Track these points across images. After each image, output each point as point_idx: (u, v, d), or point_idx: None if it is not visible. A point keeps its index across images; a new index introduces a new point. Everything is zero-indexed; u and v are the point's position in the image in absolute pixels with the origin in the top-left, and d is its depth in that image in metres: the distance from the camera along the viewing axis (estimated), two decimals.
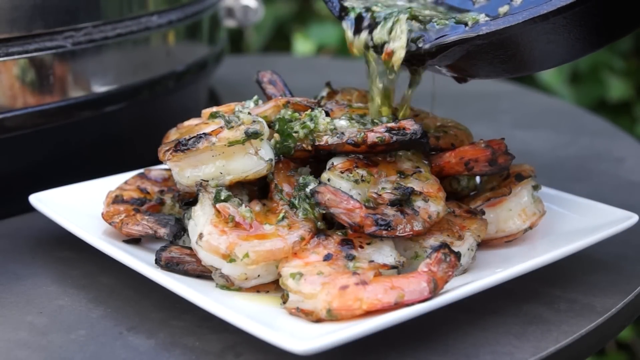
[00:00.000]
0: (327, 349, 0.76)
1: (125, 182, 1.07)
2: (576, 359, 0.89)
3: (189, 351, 0.84)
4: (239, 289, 0.89)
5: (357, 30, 1.01)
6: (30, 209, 1.04)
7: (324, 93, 1.11)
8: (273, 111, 1.00)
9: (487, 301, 0.91)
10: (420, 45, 0.96)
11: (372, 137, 0.93)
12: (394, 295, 0.82)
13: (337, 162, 0.95)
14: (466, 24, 0.93)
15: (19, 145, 1.12)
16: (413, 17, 0.97)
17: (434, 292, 0.83)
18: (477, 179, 1.06)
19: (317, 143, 0.95)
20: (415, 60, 0.98)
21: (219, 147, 0.92)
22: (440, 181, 0.96)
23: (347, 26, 1.01)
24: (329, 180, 0.93)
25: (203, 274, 0.92)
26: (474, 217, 0.96)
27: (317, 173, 0.96)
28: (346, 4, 1.03)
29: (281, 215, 0.91)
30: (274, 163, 0.96)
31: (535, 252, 0.94)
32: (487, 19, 0.93)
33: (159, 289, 0.89)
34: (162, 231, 0.97)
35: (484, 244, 0.97)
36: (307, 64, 2.16)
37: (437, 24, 0.95)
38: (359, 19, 1.01)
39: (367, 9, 1.01)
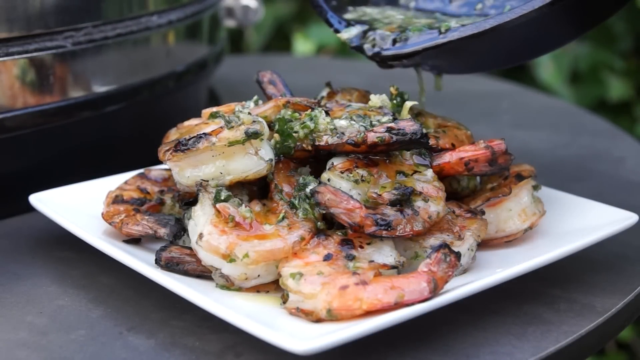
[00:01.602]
0: (327, 349, 0.76)
1: (125, 182, 1.07)
2: (576, 359, 0.89)
3: (189, 351, 0.84)
4: (239, 289, 0.89)
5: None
6: (30, 209, 1.04)
7: (324, 93, 1.11)
8: (273, 111, 1.01)
9: (487, 301, 0.91)
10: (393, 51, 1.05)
11: (372, 137, 0.93)
12: (394, 295, 0.82)
13: (337, 162, 0.95)
14: (440, 31, 1.01)
15: (19, 145, 1.12)
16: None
17: (434, 292, 0.83)
18: (477, 179, 1.06)
19: (317, 143, 0.95)
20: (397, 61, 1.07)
21: (219, 147, 0.92)
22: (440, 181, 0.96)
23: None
24: (329, 180, 0.93)
25: (203, 274, 0.92)
26: (474, 217, 0.96)
27: (317, 173, 0.96)
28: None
29: (281, 215, 0.91)
30: (274, 163, 0.96)
31: (535, 252, 0.94)
32: (458, 25, 1.01)
33: (159, 289, 0.89)
34: (162, 231, 0.97)
35: (484, 244, 0.97)
36: (307, 64, 2.16)
37: (413, 30, 1.04)
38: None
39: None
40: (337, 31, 1.10)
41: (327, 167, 0.95)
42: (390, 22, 1.10)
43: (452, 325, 0.88)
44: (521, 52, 1.10)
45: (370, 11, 1.15)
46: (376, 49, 1.05)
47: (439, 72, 1.12)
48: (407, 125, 0.93)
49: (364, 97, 1.09)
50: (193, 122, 1.01)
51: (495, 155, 0.97)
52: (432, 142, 0.99)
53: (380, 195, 0.91)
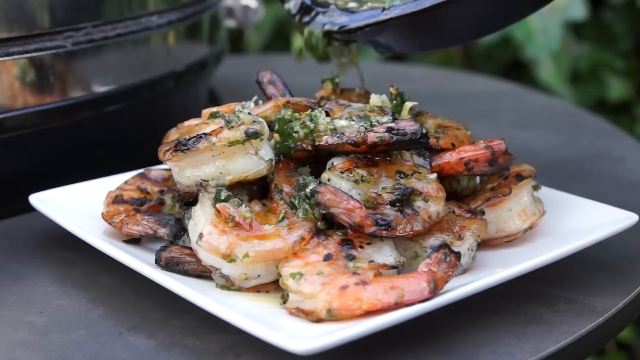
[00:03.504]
0: (327, 349, 0.76)
1: (125, 182, 1.07)
2: (576, 359, 0.89)
3: (189, 351, 0.84)
4: (239, 289, 0.89)
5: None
6: (30, 209, 1.04)
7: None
8: (273, 111, 1.01)
9: (487, 301, 0.91)
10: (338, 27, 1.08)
11: (372, 137, 0.93)
12: (394, 295, 0.82)
13: (337, 162, 0.95)
14: (384, 8, 1.03)
15: (19, 145, 1.12)
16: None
17: (434, 292, 0.83)
18: (477, 179, 1.06)
19: (317, 143, 0.95)
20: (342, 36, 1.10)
21: (219, 147, 0.92)
22: (440, 181, 0.96)
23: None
24: (329, 180, 0.93)
25: (203, 274, 0.92)
26: (474, 217, 0.96)
27: (317, 173, 0.96)
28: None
29: (281, 215, 0.91)
30: (274, 163, 0.96)
31: (535, 252, 0.94)
32: (399, 2, 1.03)
33: (159, 289, 0.89)
34: (162, 231, 0.97)
35: (484, 244, 0.97)
36: (307, 64, 2.15)
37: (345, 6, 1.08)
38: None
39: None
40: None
41: (327, 167, 0.95)
42: None
43: (452, 325, 0.88)
44: (467, 30, 1.12)
45: None
46: (320, 25, 1.09)
47: (388, 51, 1.14)
48: (407, 125, 0.93)
49: (364, 98, 1.09)
50: (193, 122, 1.01)
51: (495, 155, 0.97)
52: (432, 142, 0.99)
53: (380, 195, 0.91)
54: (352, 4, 1.08)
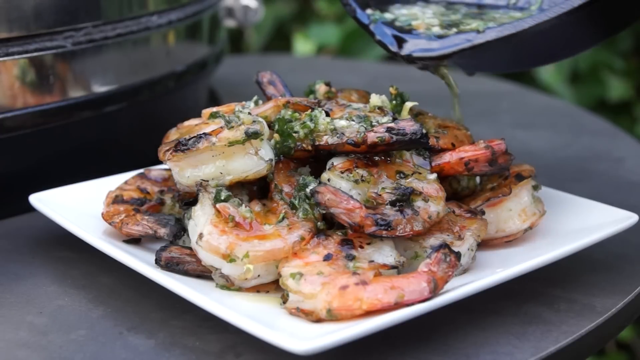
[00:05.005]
0: (327, 349, 0.76)
1: (125, 182, 1.07)
2: (576, 359, 0.89)
3: (189, 351, 0.84)
4: (239, 289, 0.90)
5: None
6: (30, 209, 1.04)
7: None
8: (273, 111, 1.01)
9: (487, 301, 0.91)
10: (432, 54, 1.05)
11: (372, 137, 0.93)
12: (394, 295, 0.82)
13: (337, 162, 0.95)
14: (478, 31, 1.02)
15: (19, 145, 1.12)
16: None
17: (434, 292, 0.83)
18: (477, 179, 1.06)
19: (317, 143, 0.95)
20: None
21: (219, 147, 0.92)
22: (440, 181, 0.96)
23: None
24: (329, 180, 0.93)
25: (203, 274, 0.92)
26: (474, 217, 0.96)
27: (317, 173, 0.96)
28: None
29: (281, 215, 0.91)
30: (274, 163, 0.96)
31: (535, 252, 0.94)
32: (494, 24, 1.02)
33: (159, 289, 0.89)
34: (162, 231, 0.97)
35: (484, 244, 0.97)
36: (307, 64, 2.16)
37: (441, 30, 1.06)
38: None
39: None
40: (366, 28, 1.11)
41: (327, 167, 0.95)
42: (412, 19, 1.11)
43: (452, 325, 0.88)
44: (554, 52, 1.11)
45: (398, 12, 1.15)
46: (410, 50, 1.06)
47: (477, 71, 1.13)
48: (407, 125, 0.93)
49: (364, 98, 1.09)
50: (193, 122, 1.01)
51: (495, 155, 0.97)
52: (432, 142, 0.99)
53: (380, 195, 0.91)
54: (436, 29, 1.06)
